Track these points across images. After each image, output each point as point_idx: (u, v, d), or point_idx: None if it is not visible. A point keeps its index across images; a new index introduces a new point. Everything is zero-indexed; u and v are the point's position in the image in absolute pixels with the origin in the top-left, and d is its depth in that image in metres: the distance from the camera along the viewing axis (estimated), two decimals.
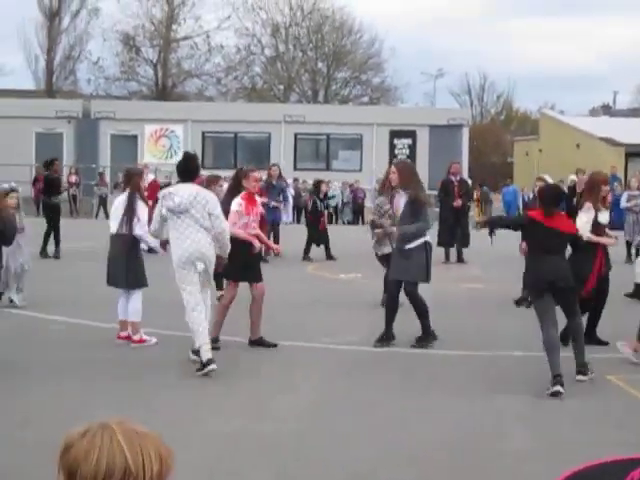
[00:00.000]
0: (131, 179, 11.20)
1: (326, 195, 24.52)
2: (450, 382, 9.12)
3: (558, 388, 8.65)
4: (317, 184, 22.72)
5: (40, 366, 9.50)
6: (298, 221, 34.54)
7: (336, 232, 26.33)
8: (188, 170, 10.02)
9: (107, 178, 40.41)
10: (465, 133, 49.65)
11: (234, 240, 10.13)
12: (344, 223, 38.11)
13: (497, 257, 18.97)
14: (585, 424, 7.78)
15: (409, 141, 49.09)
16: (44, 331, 11.50)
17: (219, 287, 13.23)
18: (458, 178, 21.05)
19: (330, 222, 34.25)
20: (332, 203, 36.07)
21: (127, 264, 10.80)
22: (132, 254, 10.89)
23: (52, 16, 64.45)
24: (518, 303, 13.98)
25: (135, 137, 48.45)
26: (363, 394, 8.57)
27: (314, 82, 71.33)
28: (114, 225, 10.87)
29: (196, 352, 9.52)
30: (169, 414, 7.64)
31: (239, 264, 10.48)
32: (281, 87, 71.12)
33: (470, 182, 25.40)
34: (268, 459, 6.64)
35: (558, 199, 9.62)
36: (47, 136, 47.99)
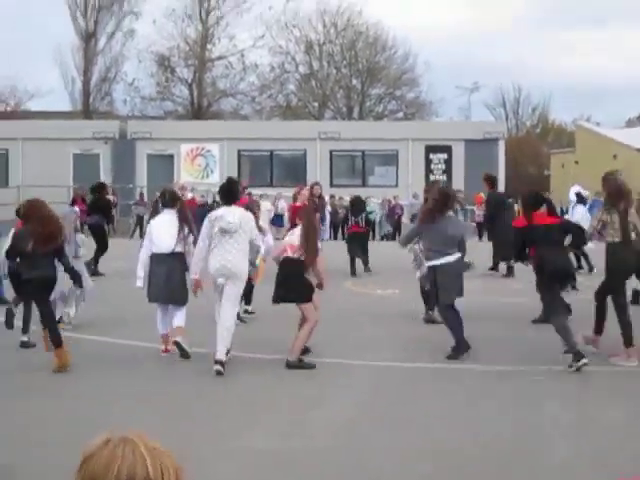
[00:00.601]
0: (178, 199, 11.74)
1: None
2: (488, 397, 9.06)
3: (584, 361, 10.13)
4: (355, 200, 22.92)
5: (67, 384, 9.54)
6: (335, 237, 34.50)
7: (374, 248, 26.30)
8: (232, 194, 11.05)
9: (145, 198, 40.64)
10: (501, 146, 49.48)
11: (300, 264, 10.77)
12: (382, 237, 38.05)
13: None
14: (630, 437, 7.68)
15: (445, 156, 48.99)
16: (76, 348, 11.55)
17: (247, 302, 13.91)
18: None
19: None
20: (371, 218, 36.05)
21: (183, 281, 11.19)
22: (185, 271, 11.23)
23: (88, 38, 65.05)
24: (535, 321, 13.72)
25: (171, 156, 48.73)
26: (399, 411, 8.53)
27: (348, 99, 71.41)
28: (167, 244, 11.11)
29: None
30: (204, 428, 7.63)
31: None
32: (315, 104, 71.27)
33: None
34: (300, 475, 6.60)
35: (539, 202, 11.28)
36: (84, 157, 48.39)
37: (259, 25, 68.25)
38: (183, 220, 11.28)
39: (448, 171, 48.41)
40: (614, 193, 11.29)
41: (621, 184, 11.64)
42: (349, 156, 49.82)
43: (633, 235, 11.04)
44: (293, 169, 48.00)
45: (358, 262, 21.28)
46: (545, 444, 7.40)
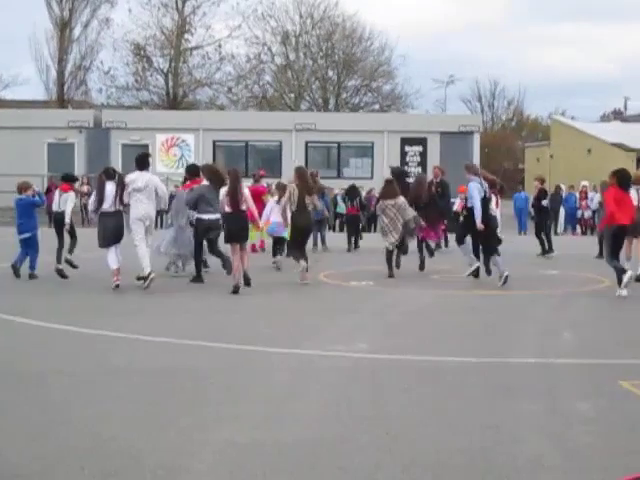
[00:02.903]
0: (117, 173, 16.70)
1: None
2: (464, 389, 9.05)
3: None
4: (351, 188, 28.93)
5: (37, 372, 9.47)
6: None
7: (342, 241, 26.48)
8: (144, 163, 16.63)
9: None
10: (476, 139, 49.64)
11: (244, 215, 16.54)
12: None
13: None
14: (601, 431, 7.67)
15: (420, 148, 49.10)
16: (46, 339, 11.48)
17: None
18: (438, 180, 23.26)
19: (342, 229, 34.49)
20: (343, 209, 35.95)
21: (122, 229, 16.35)
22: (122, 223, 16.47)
23: (63, 26, 64.70)
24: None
25: (146, 146, 48.59)
26: (377, 402, 8.50)
27: (324, 90, 71.43)
28: (109, 204, 16.12)
29: (140, 278, 15.95)
30: (180, 423, 7.58)
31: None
32: (292, 95, 71.24)
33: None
34: (281, 469, 6.57)
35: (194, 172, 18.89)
36: (59, 146, 48.19)
37: (235, 15, 68.03)
38: (120, 188, 16.14)
39: (423, 163, 48.52)
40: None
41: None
42: (324, 147, 49.87)
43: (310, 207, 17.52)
44: (268, 160, 47.98)
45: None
46: (517, 439, 7.39)
